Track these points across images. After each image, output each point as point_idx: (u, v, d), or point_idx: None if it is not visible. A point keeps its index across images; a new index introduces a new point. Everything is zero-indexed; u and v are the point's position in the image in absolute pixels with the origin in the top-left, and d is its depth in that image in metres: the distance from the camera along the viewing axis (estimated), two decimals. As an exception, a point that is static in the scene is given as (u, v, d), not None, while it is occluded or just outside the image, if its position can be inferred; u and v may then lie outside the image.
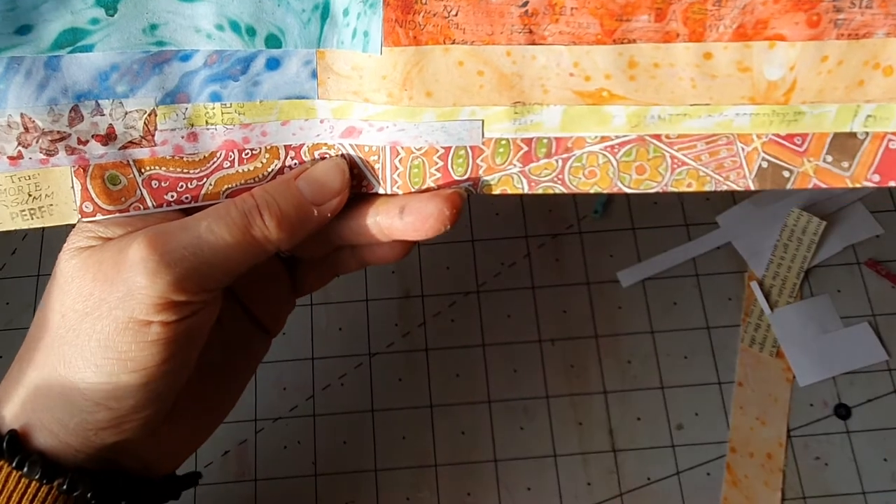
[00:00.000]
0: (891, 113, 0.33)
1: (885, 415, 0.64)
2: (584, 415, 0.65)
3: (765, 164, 0.35)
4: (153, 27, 0.34)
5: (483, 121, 0.35)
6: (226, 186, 0.37)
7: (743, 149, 0.35)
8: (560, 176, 0.36)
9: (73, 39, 0.34)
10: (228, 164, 0.37)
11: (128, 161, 0.36)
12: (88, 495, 0.36)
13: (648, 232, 0.70)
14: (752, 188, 0.35)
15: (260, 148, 0.37)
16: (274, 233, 0.35)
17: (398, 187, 0.37)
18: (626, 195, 0.71)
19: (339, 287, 0.68)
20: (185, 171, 0.36)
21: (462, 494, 0.62)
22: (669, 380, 0.65)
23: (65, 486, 0.35)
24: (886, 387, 0.64)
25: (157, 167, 0.36)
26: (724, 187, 0.35)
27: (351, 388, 0.66)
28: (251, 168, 0.37)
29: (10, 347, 0.37)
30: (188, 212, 0.36)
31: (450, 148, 0.36)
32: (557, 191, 0.36)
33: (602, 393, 0.65)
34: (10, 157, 0.35)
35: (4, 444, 0.35)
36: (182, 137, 0.36)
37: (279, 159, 0.37)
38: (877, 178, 0.34)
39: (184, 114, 0.35)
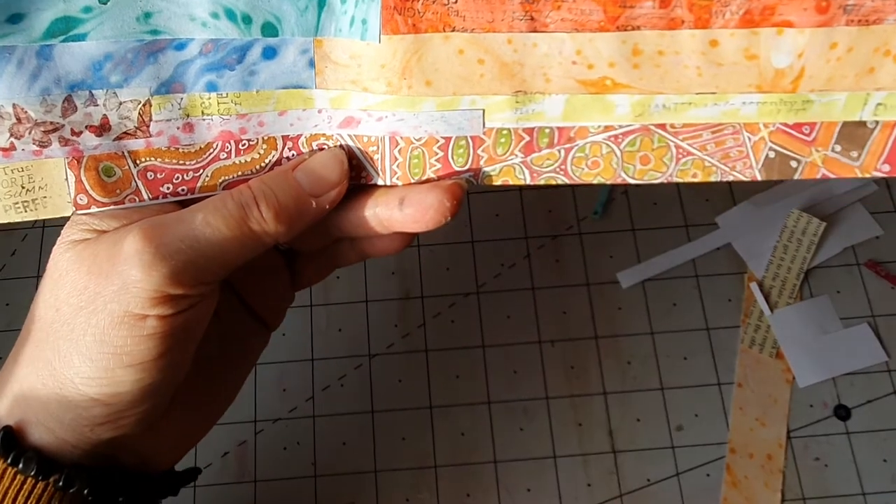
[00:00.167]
0: None
1: (884, 416, 0.64)
2: (584, 416, 0.64)
3: (772, 154, 0.34)
4: (147, 15, 0.33)
5: (484, 110, 0.35)
6: (222, 178, 0.36)
7: (749, 138, 0.34)
8: (563, 166, 0.35)
9: (65, 28, 0.33)
10: (225, 155, 0.36)
11: (123, 152, 0.35)
12: (85, 492, 0.35)
13: (648, 233, 0.70)
14: (759, 178, 0.35)
15: (257, 139, 0.36)
16: (271, 225, 0.34)
17: (398, 178, 0.36)
18: (627, 195, 0.71)
19: (339, 288, 0.69)
20: (181, 162, 0.36)
21: (462, 495, 0.62)
22: (669, 381, 0.66)
23: (61, 483, 0.35)
24: (886, 388, 0.65)
25: (152, 158, 0.35)
26: (731, 178, 0.35)
27: (351, 390, 0.66)
28: (248, 159, 0.36)
29: (10, 349, 0.37)
30: (184, 204, 0.35)
31: (450, 138, 0.35)
32: (560, 181, 0.35)
33: (602, 394, 0.65)
34: (3, 149, 0.34)
35: None
36: (178, 128, 0.35)
37: (277, 150, 0.36)
38: (886, 167, 0.34)
39: (179, 104, 0.35)
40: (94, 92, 0.34)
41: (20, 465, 0.34)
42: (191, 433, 0.42)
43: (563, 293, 0.68)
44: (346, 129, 0.36)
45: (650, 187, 0.70)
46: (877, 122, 0.33)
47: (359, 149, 0.36)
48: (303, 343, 0.67)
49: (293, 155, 0.37)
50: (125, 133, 0.35)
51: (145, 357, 0.34)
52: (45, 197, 0.35)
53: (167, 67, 0.34)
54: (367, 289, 0.69)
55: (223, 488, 0.62)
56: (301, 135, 0.36)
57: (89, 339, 0.33)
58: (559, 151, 0.35)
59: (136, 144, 0.35)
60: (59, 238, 0.35)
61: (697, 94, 0.34)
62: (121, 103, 0.34)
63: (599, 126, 0.35)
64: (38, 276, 0.68)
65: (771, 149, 0.34)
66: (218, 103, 0.35)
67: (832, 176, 0.34)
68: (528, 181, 0.36)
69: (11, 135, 0.34)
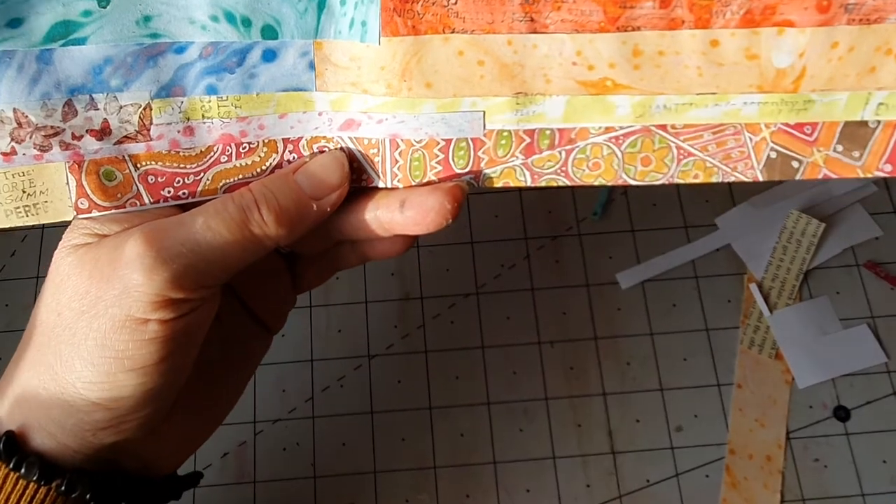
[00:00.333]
0: None
1: (884, 417, 0.64)
2: (584, 417, 0.64)
3: (773, 155, 0.34)
4: (147, 19, 0.33)
5: (484, 112, 0.35)
6: (223, 181, 0.36)
7: (751, 139, 0.34)
8: (563, 168, 0.35)
9: (65, 32, 0.33)
10: (226, 158, 0.36)
11: (123, 156, 0.35)
12: (87, 496, 0.35)
13: (648, 234, 0.70)
14: (761, 179, 0.34)
15: (257, 141, 0.36)
16: (272, 228, 0.34)
17: (398, 181, 0.36)
18: (626, 196, 0.71)
19: (339, 289, 0.69)
20: (181, 165, 0.36)
21: (461, 496, 0.62)
22: (669, 382, 0.66)
23: (63, 488, 0.35)
24: (885, 389, 0.65)
25: (153, 162, 0.35)
26: (732, 178, 0.35)
27: (350, 390, 0.66)
28: (249, 162, 0.36)
29: (9, 349, 0.37)
30: (185, 208, 0.35)
31: (450, 140, 0.35)
32: (561, 183, 0.35)
33: (601, 395, 0.65)
34: (3, 153, 0.34)
35: (1, 446, 0.35)
36: (178, 132, 0.35)
37: (277, 153, 0.36)
38: (888, 167, 0.33)
39: (179, 107, 0.35)
40: (94, 96, 0.34)
41: (22, 470, 0.34)
42: (193, 437, 0.41)
43: (562, 294, 0.68)
44: (346, 132, 0.36)
45: (649, 188, 0.70)
46: (878, 122, 0.33)
47: (359, 151, 0.36)
48: (302, 344, 0.67)
49: (294, 158, 0.37)
50: (126, 137, 0.35)
51: (147, 361, 0.34)
52: (46, 201, 0.35)
53: (167, 71, 0.34)
54: (367, 290, 0.69)
55: (223, 489, 0.62)
56: (301, 137, 0.36)
57: (91, 343, 0.33)
58: (560, 153, 0.35)
59: (137, 148, 0.35)
60: (61, 242, 0.35)
61: (698, 94, 0.33)
62: (121, 107, 0.34)
63: (600, 127, 0.35)
64: (38, 277, 0.69)
65: (772, 149, 0.34)
66: (218, 106, 0.35)
67: (834, 176, 0.34)
68: (529, 183, 0.36)
69: (12, 139, 0.34)
